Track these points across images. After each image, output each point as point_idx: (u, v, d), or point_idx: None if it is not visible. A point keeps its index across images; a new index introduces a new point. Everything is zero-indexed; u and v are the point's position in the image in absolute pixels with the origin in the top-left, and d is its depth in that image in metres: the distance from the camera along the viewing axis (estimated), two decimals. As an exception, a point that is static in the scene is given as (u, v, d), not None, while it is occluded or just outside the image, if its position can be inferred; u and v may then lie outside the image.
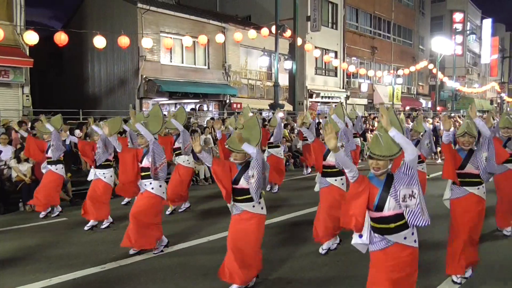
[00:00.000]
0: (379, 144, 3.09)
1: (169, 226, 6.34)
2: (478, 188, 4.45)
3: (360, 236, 3.26)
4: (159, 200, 5.29)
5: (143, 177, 5.29)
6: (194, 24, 17.86)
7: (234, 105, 18.92)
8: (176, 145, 7.64)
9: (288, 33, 17.77)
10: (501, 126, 6.10)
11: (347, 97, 26.03)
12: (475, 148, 4.49)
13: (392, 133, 3.03)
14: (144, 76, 16.44)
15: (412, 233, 3.15)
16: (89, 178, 7.00)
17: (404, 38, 32.58)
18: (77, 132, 10.43)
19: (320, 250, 5.30)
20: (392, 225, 3.09)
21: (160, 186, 5.26)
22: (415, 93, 34.75)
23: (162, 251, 5.40)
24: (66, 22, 21.47)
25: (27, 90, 13.32)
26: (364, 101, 28.41)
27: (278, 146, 9.37)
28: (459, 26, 37.15)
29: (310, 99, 23.32)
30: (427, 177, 7.36)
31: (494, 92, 48.90)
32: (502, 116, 6.36)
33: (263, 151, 9.44)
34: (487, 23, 43.92)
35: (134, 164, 5.39)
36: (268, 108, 17.36)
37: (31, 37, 10.95)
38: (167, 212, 7.48)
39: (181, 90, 17.15)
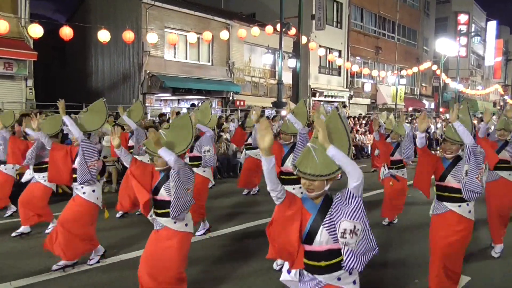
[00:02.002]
0: (312, 160, 2.41)
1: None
2: (460, 206, 3.70)
3: (289, 271, 2.60)
4: (92, 207, 4.58)
5: (75, 180, 4.60)
6: (199, 20, 17.82)
7: (237, 102, 18.90)
8: (130, 143, 6.76)
9: (293, 31, 17.71)
10: (497, 128, 5.44)
11: (350, 97, 26.03)
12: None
13: (330, 152, 2.36)
14: (148, 72, 16.41)
15: (350, 273, 2.49)
16: (24, 180, 6.11)
17: (408, 39, 32.48)
18: None
19: (275, 266, 4.68)
20: (323, 264, 2.45)
21: (94, 191, 4.58)
22: (418, 94, 34.66)
23: (98, 261, 4.75)
24: (70, 16, 21.47)
25: (30, 83, 13.29)
26: (367, 101, 28.37)
27: (257, 148, 9.06)
28: (463, 28, 37.07)
29: (313, 98, 23.29)
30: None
31: (497, 95, 48.84)
32: (500, 117, 5.78)
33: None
34: (492, 25, 43.83)
35: (67, 162, 4.68)
36: (271, 106, 17.34)
37: (36, 30, 10.96)
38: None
39: (185, 86, 17.12)
